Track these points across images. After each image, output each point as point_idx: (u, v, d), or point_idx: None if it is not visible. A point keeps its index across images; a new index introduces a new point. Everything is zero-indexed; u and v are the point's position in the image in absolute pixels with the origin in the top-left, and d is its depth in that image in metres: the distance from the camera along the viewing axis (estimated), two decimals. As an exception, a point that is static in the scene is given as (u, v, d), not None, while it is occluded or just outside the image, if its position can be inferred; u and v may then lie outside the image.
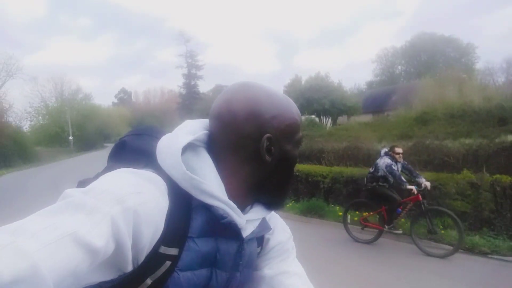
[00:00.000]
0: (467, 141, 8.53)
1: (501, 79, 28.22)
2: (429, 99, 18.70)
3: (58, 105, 38.18)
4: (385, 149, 5.82)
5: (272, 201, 0.75)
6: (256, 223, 0.74)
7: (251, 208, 0.74)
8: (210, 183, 0.65)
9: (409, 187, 5.24)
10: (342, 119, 25.64)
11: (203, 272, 0.67)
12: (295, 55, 70.65)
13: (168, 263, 0.62)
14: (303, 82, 25.37)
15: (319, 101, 23.06)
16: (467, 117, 15.13)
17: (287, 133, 0.71)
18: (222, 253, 0.69)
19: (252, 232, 0.73)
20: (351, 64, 76.12)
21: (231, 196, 0.68)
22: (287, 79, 60.65)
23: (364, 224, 5.95)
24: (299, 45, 73.68)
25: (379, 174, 5.57)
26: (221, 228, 0.67)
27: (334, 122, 24.62)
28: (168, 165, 0.66)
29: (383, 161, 5.55)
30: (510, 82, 27.37)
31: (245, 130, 0.68)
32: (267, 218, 0.80)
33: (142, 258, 0.60)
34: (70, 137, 34.83)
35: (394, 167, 5.45)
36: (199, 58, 28.97)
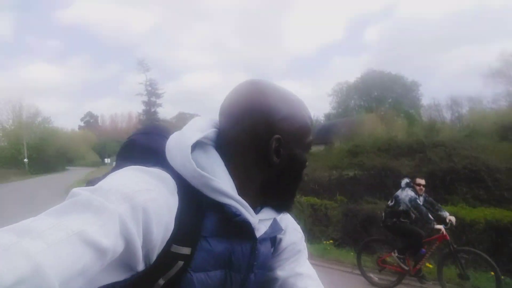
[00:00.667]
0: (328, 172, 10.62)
1: (447, 114, 30.61)
2: (365, 132, 20.31)
3: (15, 127, 37.90)
4: (407, 180, 5.11)
5: (280, 204, 0.74)
6: (268, 223, 0.74)
7: (261, 208, 0.74)
8: (220, 181, 0.65)
9: (437, 226, 4.59)
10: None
11: (217, 274, 0.66)
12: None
13: (180, 263, 0.61)
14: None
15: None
16: (392, 150, 16.72)
17: (297, 135, 0.70)
18: (236, 254, 0.68)
19: (265, 233, 0.73)
20: (319, 96, 79.40)
21: (241, 195, 0.67)
22: None
23: (382, 266, 5.23)
24: (271, 75, 76.41)
25: (401, 208, 4.91)
26: (235, 228, 0.66)
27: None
28: (178, 163, 0.65)
29: (406, 194, 4.86)
30: (456, 118, 29.67)
31: (255, 130, 0.67)
32: (278, 219, 0.79)
33: (153, 258, 0.59)
34: (25, 159, 34.77)
35: (419, 201, 4.80)
36: (159, 87, 30.01)
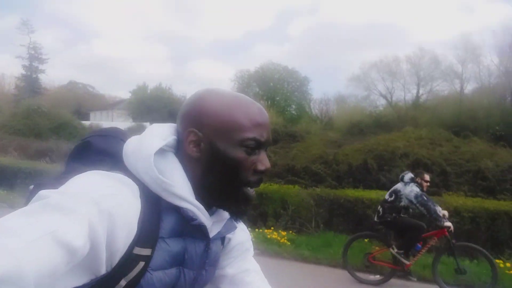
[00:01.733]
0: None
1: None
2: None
3: None
4: (411, 175, 4.86)
5: (226, 207, 0.74)
6: (221, 224, 0.76)
7: (217, 209, 0.76)
8: (179, 186, 0.67)
9: (447, 224, 4.44)
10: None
11: (172, 272, 0.69)
12: (188, 62, 71.06)
13: (141, 263, 0.63)
14: (149, 90, 26.29)
15: (159, 110, 24.29)
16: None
17: (221, 130, 0.69)
18: (189, 252, 0.71)
19: (219, 232, 0.76)
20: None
21: (197, 197, 0.69)
22: (179, 84, 60.75)
23: (372, 262, 5.06)
24: (193, 52, 74.40)
25: (402, 204, 4.73)
26: (190, 229, 0.69)
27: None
28: (139, 169, 0.67)
29: (411, 190, 4.65)
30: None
31: (180, 127, 0.72)
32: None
33: (116, 260, 0.60)
34: None
35: (425, 198, 4.58)
36: (43, 51, 27.54)
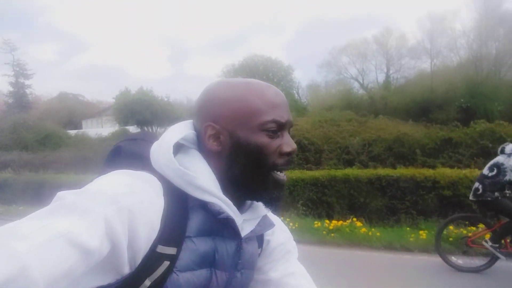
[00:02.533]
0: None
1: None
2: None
3: None
4: None
5: (258, 198, 0.72)
6: (255, 223, 0.74)
7: (250, 207, 0.75)
8: (203, 178, 0.66)
9: None
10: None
11: (202, 273, 0.67)
12: (185, 61, 71.34)
13: (166, 263, 0.62)
14: (131, 95, 26.94)
15: (142, 113, 24.96)
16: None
17: (238, 118, 0.68)
18: (220, 252, 0.68)
19: (252, 231, 0.73)
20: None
21: (225, 193, 0.68)
22: (177, 83, 61.23)
23: (472, 246, 4.60)
24: (189, 51, 74.46)
25: (507, 178, 4.22)
26: (219, 227, 0.68)
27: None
28: (161, 164, 0.67)
29: None
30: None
31: (196, 125, 0.72)
32: (268, 216, 0.79)
33: (139, 259, 0.60)
34: None
35: None
36: (28, 67, 28.37)
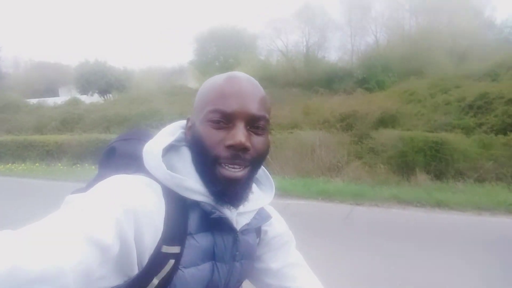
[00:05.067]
0: None
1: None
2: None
3: None
4: None
5: (207, 189, 0.70)
6: (250, 215, 0.76)
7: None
8: (192, 179, 0.68)
9: None
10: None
11: (206, 267, 0.70)
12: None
13: (171, 261, 0.65)
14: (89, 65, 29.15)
15: (97, 82, 27.42)
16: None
17: (196, 109, 0.72)
18: (218, 246, 0.72)
19: (248, 224, 0.76)
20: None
21: None
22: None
23: None
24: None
25: None
26: (215, 222, 0.70)
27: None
28: (152, 167, 0.69)
29: None
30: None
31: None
32: (265, 208, 0.82)
33: (145, 260, 0.63)
34: None
35: None
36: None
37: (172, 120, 0.84)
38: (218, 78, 0.71)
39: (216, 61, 40.84)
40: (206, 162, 0.68)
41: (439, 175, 7.89)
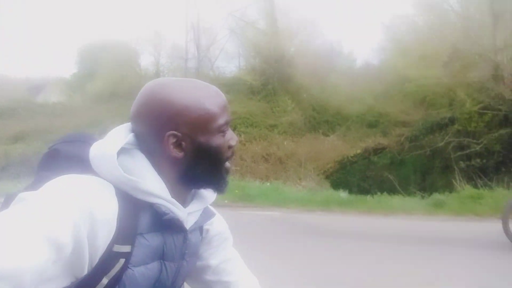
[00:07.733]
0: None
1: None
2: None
3: None
4: None
5: (211, 188, 0.79)
6: (198, 214, 0.79)
7: (192, 199, 0.79)
8: (148, 182, 0.68)
9: None
10: None
11: (154, 265, 0.71)
12: None
13: (122, 260, 0.65)
14: None
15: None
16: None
17: (198, 125, 0.71)
18: (168, 245, 0.73)
19: (196, 223, 0.78)
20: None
21: (170, 190, 0.71)
22: None
23: None
24: None
25: None
26: (166, 222, 0.70)
27: None
28: (104, 171, 0.67)
29: None
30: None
31: (154, 129, 0.71)
32: (209, 207, 0.85)
33: (96, 259, 0.62)
34: None
35: None
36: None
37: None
38: (208, 92, 0.74)
39: (96, 74, 39.47)
40: (220, 166, 0.76)
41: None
